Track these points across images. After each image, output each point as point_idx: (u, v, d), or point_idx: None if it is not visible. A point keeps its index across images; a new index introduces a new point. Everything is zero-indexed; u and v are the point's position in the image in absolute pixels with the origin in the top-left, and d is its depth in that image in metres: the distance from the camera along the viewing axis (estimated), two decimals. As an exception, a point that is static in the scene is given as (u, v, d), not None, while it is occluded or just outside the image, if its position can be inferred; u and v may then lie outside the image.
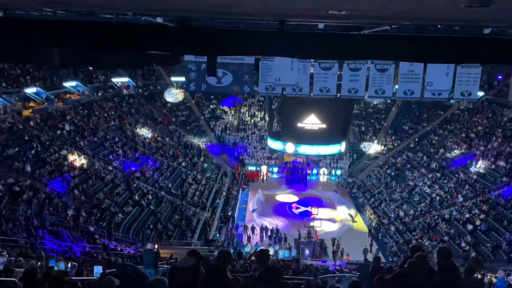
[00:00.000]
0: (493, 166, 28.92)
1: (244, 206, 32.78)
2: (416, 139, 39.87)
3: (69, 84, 35.88)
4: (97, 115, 34.69)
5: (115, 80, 41.52)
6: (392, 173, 36.71)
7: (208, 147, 41.79)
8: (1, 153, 22.57)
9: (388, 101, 43.54)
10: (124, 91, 41.82)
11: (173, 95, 37.82)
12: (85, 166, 26.41)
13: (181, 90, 38.50)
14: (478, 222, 24.33)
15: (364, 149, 41.92)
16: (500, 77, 37.95)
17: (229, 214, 30.48)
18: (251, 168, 40.09)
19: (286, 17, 6.48)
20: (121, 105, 39.61)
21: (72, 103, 33.49)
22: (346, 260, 24.00)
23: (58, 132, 28.32)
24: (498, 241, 22.58)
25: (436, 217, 27.19)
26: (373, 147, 41.41)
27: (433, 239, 25.16)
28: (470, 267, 6.69)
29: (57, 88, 34.23)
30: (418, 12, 5.38)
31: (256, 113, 45.78)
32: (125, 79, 42.49)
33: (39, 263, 13.02)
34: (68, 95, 34.92)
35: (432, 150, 36.23)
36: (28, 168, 22.60)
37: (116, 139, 32.70)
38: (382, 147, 41.13)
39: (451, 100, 29.65)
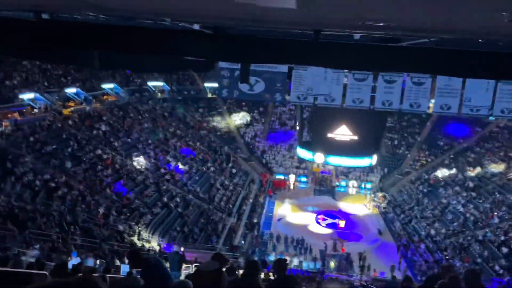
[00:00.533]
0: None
1: (270, 214, 32.65)
2: (451, 156, 38.56)
3: (107, 86, 37.11)
4: (131, 117, 35.62)
5: (150, 84, 42.66)
6: (425, 190, 35.59)
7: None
8: (39, 150, 23.52)
9: (423, 115, 42.34)
10: (159, 94, 42.85)
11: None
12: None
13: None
14: (514, 246, 23.29)
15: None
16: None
17: (255, 221, 30.43)
18: (279, 177, 39.95)
19: (321, 27, 6.45)
20: (155, 109, 40.55)
21: (108, 105, 34.58)
22: (373, 275, 23.45)
23: (94, 132, 29.25)
24: (535, 266, 21.50)
25: (469, 237, 26.14)
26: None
27: (465, 260, 24.17)
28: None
29: (96, 90, 35.44)
30: (458, 25, 5.23)
31: (286, 121, 45.75)
32: (160, 83, 43.57)
33: (69, 258, 13.44)
34: (105, 97, 36.09)
35: (468, 168, 34.94)
36: (69, 165, 23.49)
37: (149, 141, 33.43)
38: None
39: (490, 117, 28.54)
